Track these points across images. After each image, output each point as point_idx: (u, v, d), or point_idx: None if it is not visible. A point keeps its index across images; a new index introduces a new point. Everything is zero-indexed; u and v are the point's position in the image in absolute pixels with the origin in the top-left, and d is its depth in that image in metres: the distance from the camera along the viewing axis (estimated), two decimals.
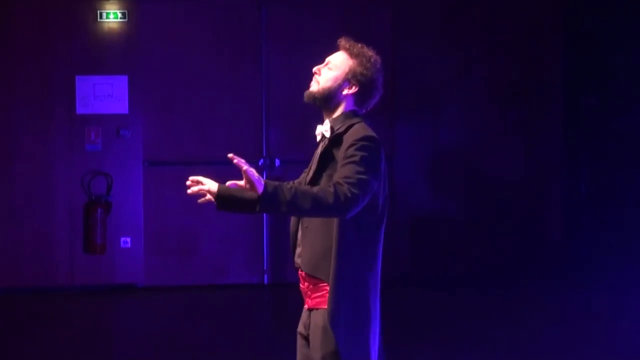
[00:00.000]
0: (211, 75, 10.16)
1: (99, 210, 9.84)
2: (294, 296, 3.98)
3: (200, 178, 3.78)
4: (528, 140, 10.71)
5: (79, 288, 9.96)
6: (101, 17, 9.98)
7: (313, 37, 9.79)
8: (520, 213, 10.63)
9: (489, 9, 10.59)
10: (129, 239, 10.02)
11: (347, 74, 3.86)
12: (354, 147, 3.70)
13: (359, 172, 3.64)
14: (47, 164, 9.94)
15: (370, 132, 3.76)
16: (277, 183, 3.61)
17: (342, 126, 3.82)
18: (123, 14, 10.00)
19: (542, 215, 10.71)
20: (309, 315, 3.87)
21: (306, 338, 3.90)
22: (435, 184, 10.53)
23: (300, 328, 3.94)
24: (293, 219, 3.93)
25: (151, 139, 10.10)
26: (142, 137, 10.06)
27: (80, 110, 9.97)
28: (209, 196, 3.77)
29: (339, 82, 3.87)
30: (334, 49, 3.97)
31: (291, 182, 4.09)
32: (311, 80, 3.94)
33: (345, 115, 3.87)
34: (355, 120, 3.84)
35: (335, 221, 3.71)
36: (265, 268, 10.24)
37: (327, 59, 3.93)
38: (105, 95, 9.98)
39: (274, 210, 3.60)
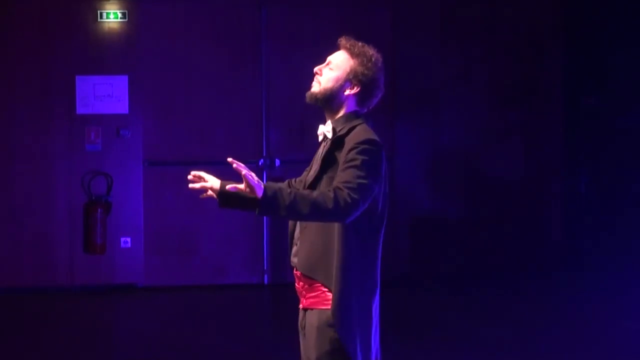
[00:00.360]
0: (211, 76, 10.16)
1: (99, 210, 9.84)
2: (294, 296, 3.98)
3: (202, 174, 3.78)
4: (528, 140, 10.71)
5: (79, 288, 9.96)
6: (101, 17, 9.98)
7: (313, 37, 9.79)
8: (520, 213, 10.63)
9: (489, 9, 10.59)
10: (129, 239, 10.02)
11: (348, 74, 3.85)
12: (355, 151, 3.69)
13: (359, 177, 3.63)
14: (47, 164, 9.94)
15: (372, 135, 3.75)
16: (277, 187, 3.60)
17: (344, 127, 3.82)
18: (123, 14, 10.00)
19: (542, 215, 10.71)
20: (304, 315, 3.88)
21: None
22: (435, 184, 10.53)
23: (300, 326, 3.95)
24: None
25: (151, 139, 10.10)
26: (142, 137, 10.06)
27: (80, 110, 9.97)
28: (210, 192, 3.77)
29: (340, 82, 3.86)
30: (334, 49, 3.96)
31: (293, 180, 4.09)
32: (312, 80, 3.93)
33: (347, 116, 3.86)
34: (357, 121, 3.83)
35: (334, 224, 3.71)
36: (265, 268, 10.24)
37: (328, 59, 3.92)
38: (105, 95, 9.98)
39: (273, 214, 3.60)
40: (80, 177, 9.98)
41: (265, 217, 10.12)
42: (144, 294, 9.91)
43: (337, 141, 3.80)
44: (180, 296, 9.81)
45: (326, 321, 3.74)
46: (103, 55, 9.98)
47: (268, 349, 7.63)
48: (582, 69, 10.69)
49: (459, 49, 10.52)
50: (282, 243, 9.94)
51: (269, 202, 3.54)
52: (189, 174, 3.79)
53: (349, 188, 3.60)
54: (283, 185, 3.97)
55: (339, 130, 3.82)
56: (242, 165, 3.54)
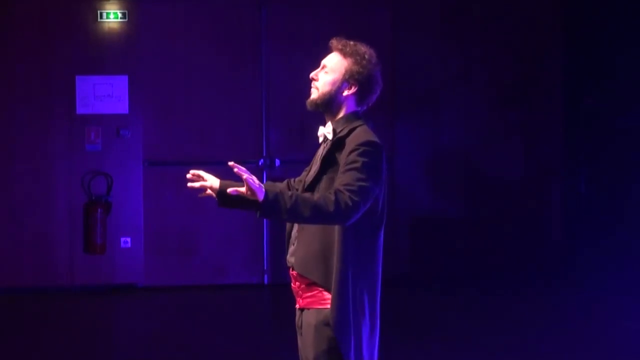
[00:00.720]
0: (211, 75, 10.15)
1: (99, 210, 9.84)
2: (294, 296, 3.98)
3: (201, 173, 3.78)
4: (528, 140, 10.71)
5: (79, 288, 9.96)
6: (101, 17, 9.98)
7: (313, 37, 9.78)
8: (520, 213, 10.63)
9: (489, 9, 10.59)
10: (129, 239, 10.02)
11: (344, 75, 3.85)
12: (356, 152, 3.69)
13: (360, 179, 3.63)
14: (47, 164, 9.94)
15: (372, 137, 3.75)
16: (278, 190, 3.60)
17: (344, 129, 3.82)
18: (123, 14, 10.00)
19: (542, 215, 10.71)
20: (301, 315, 3.89)
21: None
22: (435, 184, 10.52)
23: (297, 326, 3.96)
24: None
25: (151, 139, 10.10)
26: (142, 137, 10.06)
27: (80, 110, 9.97)
28: (209, 191, 3.78)
29: (337, 84, 3.86)
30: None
31: (292, 180, 4.09)
32: (309, 85, 3.93)
33: (348, 117, 3.86)
34: (357, 123, 3.83)
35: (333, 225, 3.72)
36: (265, 268, 10.24)
37: (323, 63, 3.91)
38: (105, 95, 9.98)
39: (275, 217, 3.60)
40: (80, 177, 9.98)
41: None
42: (144, 294, 9.91)
43: (338, 142, 3.80)
44: (180, 296, 9.81)
45: (323, 320, 3.74)
46: (103, 55, 9.98)
47: (268, 349, 7.63)
48: (582, 69, 10.68)
49: (459, 49, 10.52)
50: (282, 243, 9.92)
51: (271, 205, 3.54)
52: (189, 171, 3.80)
53: (349, 191, 3.60)
54: (283, 187, 3.97)
55: (340, 132, 3.82)
56: (244, 169, 3.53)
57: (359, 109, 3.90)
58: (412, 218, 10.44)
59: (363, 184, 3.63)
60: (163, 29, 10.12)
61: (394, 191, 10.08)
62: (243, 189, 3.55)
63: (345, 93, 3.86)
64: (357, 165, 3.66)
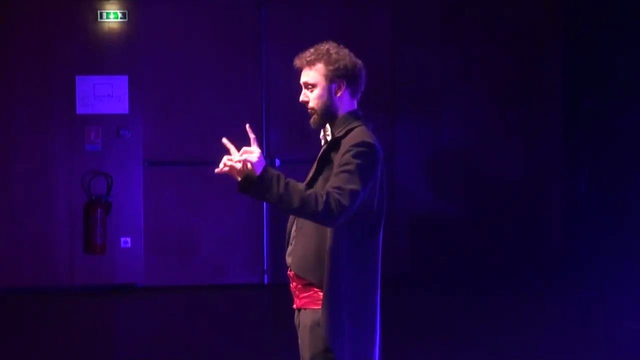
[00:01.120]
0: (211, 75, 10.15)
1: (99, 210, 9.84)
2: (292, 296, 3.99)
3: (231, 148, 3.72)
4: (528, 140, 10.71)
5: (79, 288, 9.96)
6: (101, 17, 9.98)
7: (313, 37, 9.73)
8: (520, 213, 10.63)
9: (489, 9, 10.58)
10: (129, 239, 10.02)
11: (326, 80, 3.85)
12: (350, 154, 3.70)
13: (350, 182, 3.63)
14: (47, 164, 9.94)
15: (367, 138, 3.75)
16: (277, 172, 3.61)
17: (342, 129, 3.83)
18: (123, 14, 10.00)
19: (542, 215, 10.71)
20: (298, 315, 3.90)
21: None
22: (435, 184, 10.52)
23: (296, 326, 3.97)
24: (290, 217, 3.93)
25: (151, 139, 10.10)
26: (142, 137, 10.06)
27: (80, 110, 9.97)
28: (238, 165, 3.64)
29: (327, 91, 3.86)
30: None
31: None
32: (305, 107, 3.91)
33: (346, 117, 3.87)
34: (355, 123, 3.84)
35: None
36: (265, 268, 10.24)
37: (302, 82, 3.90)
38: (105, 95, 9.98)
39: (264, 194, 3.58)
40: (80, 177, 9.98)
41: (265, 217, 10.13)
42: (144, 294, 9.91)
43: (334, 143, 3.81)
44: (180, 296, 9.81)
45: (318, 321, 3.75)
46: (103, 55, 9.98)
47: (268, 349, 7.63)
48: (582, 69, 10.68)
49: (459, 49, 10.52)
50: (282, 243, 9.93)
51: (268, 181, 3.55)
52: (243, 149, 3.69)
53: (339, 194, 3.60)
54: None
55: (337, 132, 3.83)
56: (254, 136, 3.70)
57: (356, 101, 3.89)
58: (412, 218, 10.44)
59: (353, 187, 3.63)
60: (163, 29, 10.12)
61: (394, 191, 10.08)
62: (238, 165, 3.56)
63: (339, 94, 3.86)
64: (350, 167, 3.67)
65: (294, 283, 3.88)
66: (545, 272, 10.41)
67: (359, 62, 3.90)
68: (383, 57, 10.29)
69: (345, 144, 3.75)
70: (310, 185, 3.82)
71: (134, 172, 10.06)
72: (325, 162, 3.82)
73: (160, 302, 9.63)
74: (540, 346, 7.54)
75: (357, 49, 4.18)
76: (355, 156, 3.69)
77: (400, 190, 10.27)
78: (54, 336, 8.14)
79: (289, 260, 3.90)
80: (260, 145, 3.84)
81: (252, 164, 3.57)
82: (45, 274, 9.89)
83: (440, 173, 10.55)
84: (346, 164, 3.68)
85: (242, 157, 3.61)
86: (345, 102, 3.88)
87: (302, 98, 3.91)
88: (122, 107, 10.01)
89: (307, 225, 3.78)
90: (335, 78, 3.84)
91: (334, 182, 3.65)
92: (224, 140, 3.69)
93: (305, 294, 3.82)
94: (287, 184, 3.58)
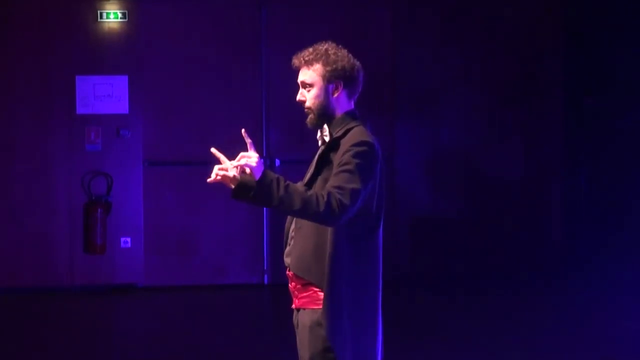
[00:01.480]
0: (211, 76, 10.16)
1: (99, 210, 9.84)
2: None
3: (222, 158, 3.71)
4: (528, 140, 10.71)
5: (79, 288, 9.96)
6: (101, 17, 9.98)
7: (313, 37, 9.73)
8: (520, 213, 10.63)
9: (489, 9, 10.58)
10: (129, 239, 10.02)
11: (323, 80, 3.85)
12: (349, 153, 3.70)
13: (351, 181, 3.64)
14: (47, 164, 9.94)
15: (366, 137, 3.75)
16: (276, 176, 3.60)
17: (340, 129, 3.83)
18: (123, 14, 10.00)
19: (542, 215, 10.71)
20: (297, 315, 3.90)
21: None
22: (435, 184, 10.52)
23: (294, 325, 3.97)
24: (289, 217, 3.93)
25: (151, 139, 10.10)
26: (142, 137, 10.06)
27: (80, 110, 9.97)
28: (231, 173, 3.64)
29: (324, 91, 3.86)
30: None
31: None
32: (302, 108, 3.91)
33: (343, 117, 3.87)
34: (353, 123, 3.84)
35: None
36: (265, 268, 10.24)
37: (300, 81, 3.90)
38: (105, 95, 9.98)
39: (265, 198, 3.58)
40: (80, 177, 9.98)
41: (265, 217, 10.13)
42: (144, 294, 9.91)
43: (333, 143, 3.81)
44: (180, 296, 9.81)
45: (317, 320, 3.75)
46: (103, 55, 9.98)
47: (268, 349, 7.63)
48: (582, 69, 10.68)
49: (459, 49, 10.52)
50: (281, 243, 9.93)
51: (268, 186, 3.54)
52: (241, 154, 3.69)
53: (340, 194, 3.60)
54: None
55: (336, 132, 3.83)
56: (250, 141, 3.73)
57: (353, 102, 3.89)
58: (412, 218, 10.44)
59: (354, 186, 3.63)
60: (163, 29, 10.12)
61: (394, 191, 10.08)
62: (232, 173, 3.54)
63: (335, 94, 3.86)
64: (350, 167, 3.67)
65: (292, 283, 3.88)
66: (545, 272, 10.41)
67: (358, 63, 3.90)
68: (383, 57, 10.29)
69: (345, 143, 3.75)
70: (309, 185, 3.82)
71: (134, 172, 10.06)
72: (325, 162, 3.82)
73: (160, 302, 9.63)
74: (540, 346, 7.54)
75: (357, 49, 4.18)
76: (355, 156, 3.69)
77: (400, 190, 10.27)
78: (54, 336, 8.14)
79: (287, 260, 3.90)
80: (260, 146, 3.86)
81: (251, 168, 3.57)
82: (45, 274, 9.89)
83: (440, 173, 10.55)
84: (346, 163, 3.68)
85: (241, 162, 3.60)
86: (342, 103, 3.88)
87: (299, 97, 3.91)
88: (122, 107, 10.01)
89: (306, 225, 3.78)
90: (333, 79, 3.84)
91: (335, 182, 3.65)
92: (213, 150, 3.68)
93: (304, 294, 3.82)
94: (287, 187, 3.58)
